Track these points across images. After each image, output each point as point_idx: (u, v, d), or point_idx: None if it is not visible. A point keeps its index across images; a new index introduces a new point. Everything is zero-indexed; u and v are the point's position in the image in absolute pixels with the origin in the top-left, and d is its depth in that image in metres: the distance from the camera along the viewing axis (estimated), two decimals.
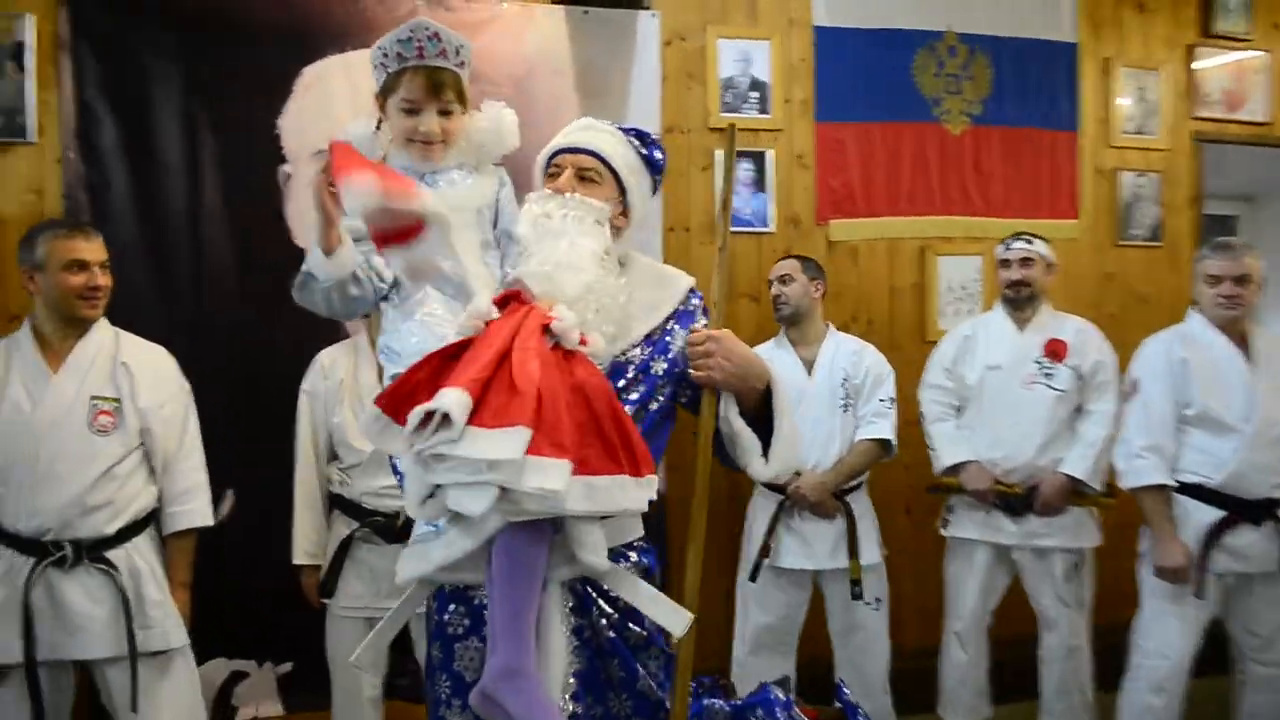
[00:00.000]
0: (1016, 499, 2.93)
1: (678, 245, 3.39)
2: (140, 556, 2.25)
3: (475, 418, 1.33)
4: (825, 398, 3.04)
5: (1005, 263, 3.04)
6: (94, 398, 2.20)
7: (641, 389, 1.66)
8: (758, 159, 3.43)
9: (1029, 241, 3.02)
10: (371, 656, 1.62)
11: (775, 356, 3.05)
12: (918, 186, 3.54)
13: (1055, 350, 2.97)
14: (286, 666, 3.07)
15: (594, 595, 1.58)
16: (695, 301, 1.83)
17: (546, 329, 1.45)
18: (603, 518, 1.53)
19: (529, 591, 1.48)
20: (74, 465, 2.16)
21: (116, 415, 2.22)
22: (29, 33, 2.93)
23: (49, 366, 2.21)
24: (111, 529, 2.19)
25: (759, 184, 3.43)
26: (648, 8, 3.31)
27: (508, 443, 1.30)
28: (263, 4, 3.09)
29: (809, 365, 3.08)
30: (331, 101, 3.10)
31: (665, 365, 1.70)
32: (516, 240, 1.63)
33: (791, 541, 3.02)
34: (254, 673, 3.10)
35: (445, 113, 1.56)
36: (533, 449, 1.32)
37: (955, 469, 3.00)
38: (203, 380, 2.63)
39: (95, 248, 2.25)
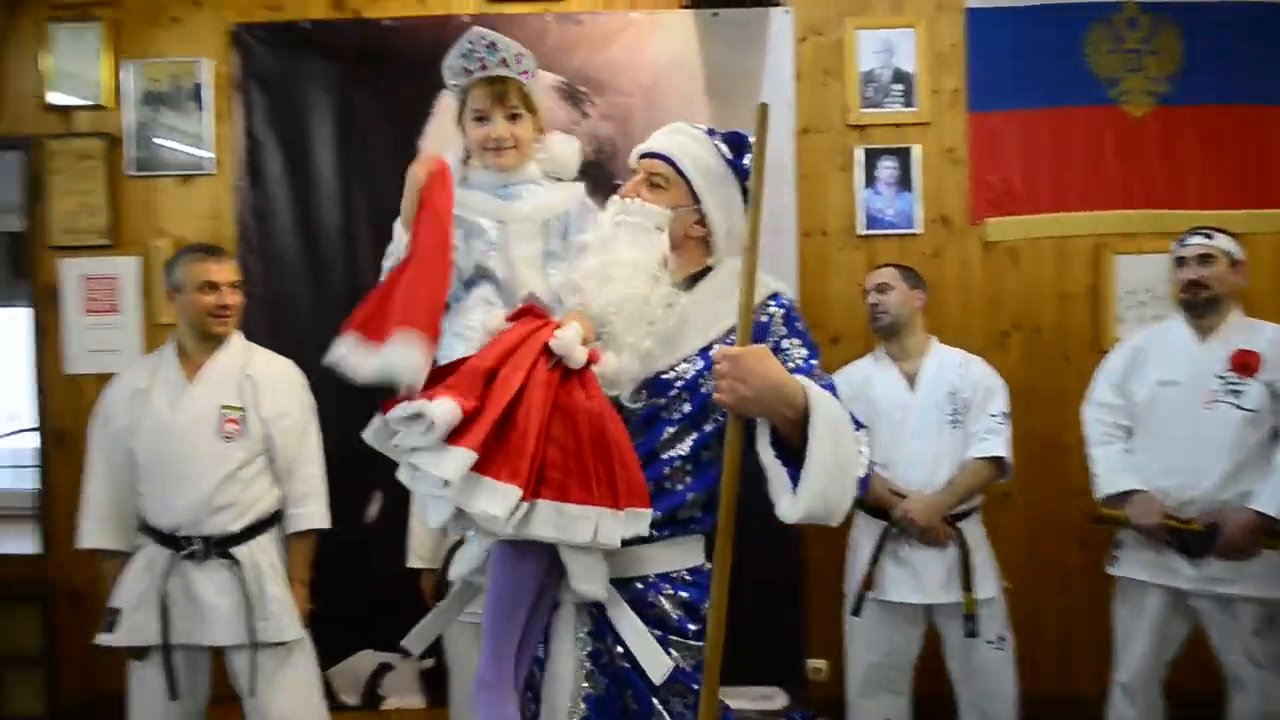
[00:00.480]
0: (1193, 537, 2.51)
1: (814, 250, 3.23)
2: (263, 554, 2.43)
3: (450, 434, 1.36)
4: (931, 414, 2.77)
5: (1181, 261, 2.62)
6: (223, 406, 2.40)
7: (688, 406, 1.56)
8: (902, 156, 3.20)
9: (1208, 236, 2.58)
10: (419, 644, 1.65)
11: (874, 373, 2.85)
12: (1091, 178, 3.16)
13: (1245, 363, 2.53)
14: (429, 662, 3.22)
15: (609, 622, 1.53)
16: (774, 309, 1.64)
17: (549, 348, 1.43)
18: (640, 540, 1.48)
19: (510, 608, 1.49)
20: (203, 468, 2.36)
21: (241, 423, 2.41)
22: (206, 75, 3.27)
23: (186, 377, 2.44)
24: (236, 527, 2.39)
25: (903, 182, 3.20)
26: (780, 4, 3.17)
27: (451, 463, 1.33)
28: (406, 37, 3.26)
29: (911, 380, 2.81)
30: None
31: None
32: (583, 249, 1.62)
33: (898, 572, 2.75)
34: (399, 666, 3.28)
35: (512, 117, 1.58)
36: (490, 470, 1.35)
37: (1120, 499, 2.63)
38: (353, 388, 2.83)
39: (226, 270, 2.46)
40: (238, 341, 2.51)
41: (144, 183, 3.31)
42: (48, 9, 3.33)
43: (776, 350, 1.59)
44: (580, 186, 1.68)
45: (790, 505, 1.45)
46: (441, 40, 3.17)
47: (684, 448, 1.57)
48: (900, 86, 3.19)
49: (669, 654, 1.54)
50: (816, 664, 3.22)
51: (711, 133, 1.69)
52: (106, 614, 2.38)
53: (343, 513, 2.71)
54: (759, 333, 1.60)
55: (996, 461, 2.72)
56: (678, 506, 1.58)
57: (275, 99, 3.28)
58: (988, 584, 2.71)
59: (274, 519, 2.49)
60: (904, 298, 2.80)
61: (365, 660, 3.25)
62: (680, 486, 1.58)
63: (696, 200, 1.65)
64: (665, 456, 1.56)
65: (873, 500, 2.74)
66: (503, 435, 1.37)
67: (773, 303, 1.65)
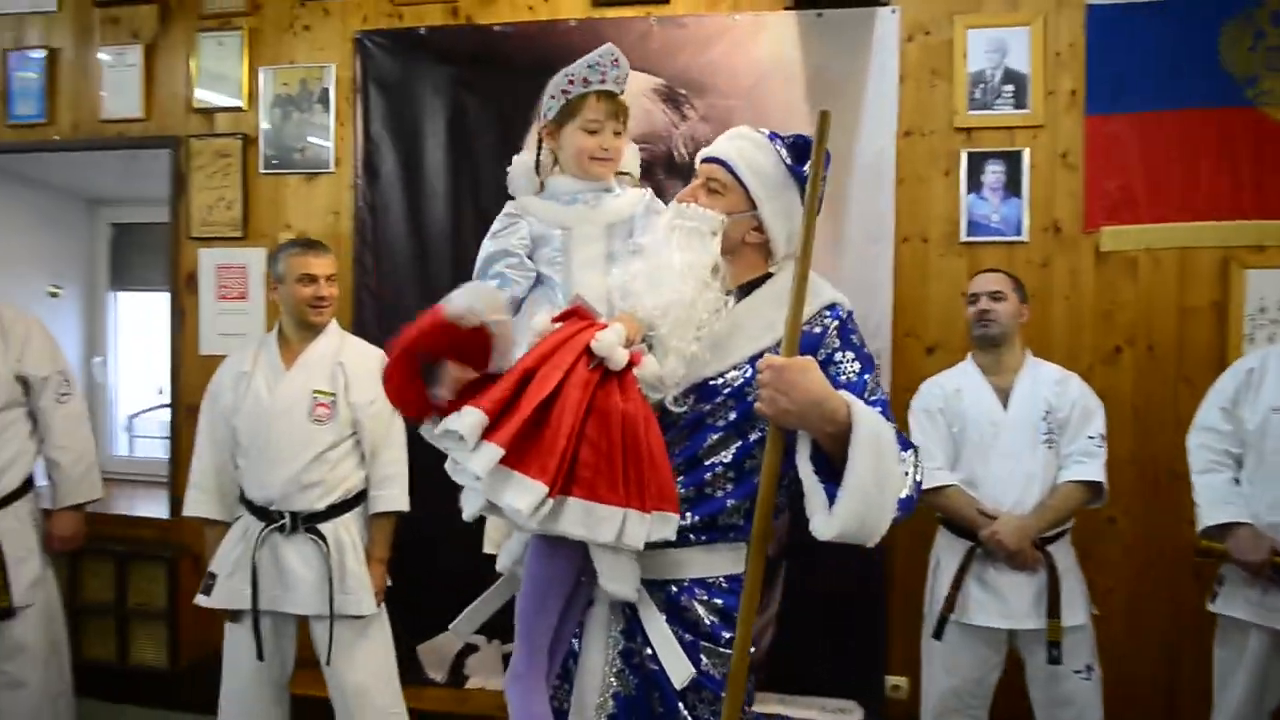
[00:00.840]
0: None
1: (914, 257, 3.13)
2: (346, 531, 2.57)
3: (485, 430, 1.40)
4: (1024, 433, 2.63)
5: None
6: (315, 391, 2.56)
7: (733, 414, 1.57)
8: (1011, 160, 3.06)
9: None
10: (468, 627, 1.72)
11: (964, 385, 2.72)
12: (1221, 185, 2.92)
13: None
14: (511, 646, 3.31)
15: (641, 623, 1.56)
16: (829, 320, 1.62)
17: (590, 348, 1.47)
18: (677, 544, 1.51)
19: (543, 602, 1.53)
20: (294, 448, 2.52)
21: (332, 407, 2.55)
22: (331, 79, 3.49)
23: (284, 363, 2.61)
24: (322, 505, 2.53)
25: (1011, 188, 3.06)
26: (887, 4, 3.09)
27: (481, 458, 1.37)
28: (514, 42, 3.36)
29: (1004, 396, 2.67)
30: None
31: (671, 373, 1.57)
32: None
33: (983, 595, 2.61)
34: (483, 648, 3.39)
35: (618, 133, 1.67)
36: (519, 466, 1.38)
37: (1222, 531, 2.43)
38: None
39: (324, 263, 2.61)
40: (333, 330, 2.67)
41: (273, 180, 3.56)
42: (196, 19, 3.63)
43: (829, 362, 1.58)
44: (648, 191, 1.75)
45: (825, 523, 1.42)
46: (547, 45, 3.33)
47: (727, 455, 1.58)
48: (1011, 87, 3.05)
49: (699, 660, 1.55)
50: (896, 681, 3.13)
51: (774, 137, 1.69)
52: (205, 578, 2.58)
53: (431, 497, 2.83)
54: (812, 343, 1.58)
55: (1092, 485, 2.57)
56: (718, 513, 1.59)
57: (392, 102, 3.46)
58: (1076, 611, 2.56)
59: (358, 499, 2.63)
60: (1015, 309, 2.68)
61: (452, 640, 3.37)
62: (721, 493, 1.58)
63: (754, 206, 1.65)
64: (708, 463, 1.58)
65: (959, 520, 2.64)
66: (535, 433, 1.40)
67: (829, 313, 1.64)
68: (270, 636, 2.56)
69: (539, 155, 1.72)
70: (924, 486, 2.47)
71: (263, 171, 3.56)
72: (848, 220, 3.13)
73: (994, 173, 3.07)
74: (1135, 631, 3.00)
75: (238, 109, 3.58)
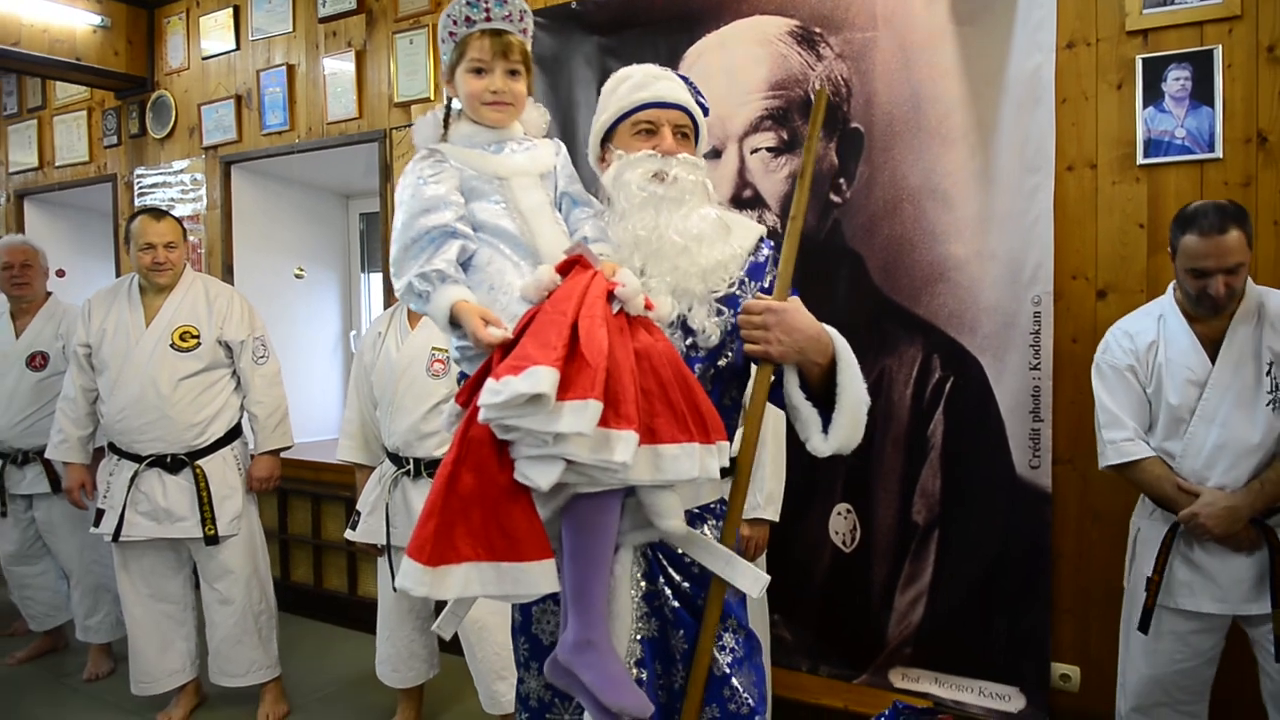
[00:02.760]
0: None
1: (1080, 187, 2.73)
2: None
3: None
4: (1237, 392, 2.18)
5: None
6: (433, 348, 2.78)
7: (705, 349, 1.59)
8: (1200, 61, 2.55)
9: None
10: (451, 625, 1.65)
11: (1161, 334, 2.29)
12: None
13: None
14: None
15: (664, 562, 1.58)
16: (767, 251, 1.68)
17: (611, 294, 1.41)
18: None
19: (598, 563, 1.47)
20: (415, 400, 2.76)
21: (447, 363, 2.76)
22: None
23: (410, 325, 2.86)
24: (439, 453, 2.74)
25: (1201, 95, 2.55)
26: None
27: (579, 417, 1.26)
28: (661, 1, 3.37)
29: (1213, 346, 2.22)
30: (710, 74, 3.24)
31: (734, 321, 1.59)
32: (602, 202, 1.64)
33: (1190, 575, 2.25)
34: None
35: (512, 73, 1.56)
36: (600, 421, 1.28)
37: None
38: None
39: None
40: None
41: None
42: (393, 22, 4.04)
43: (769, 290, 1.64)
44: (558, 142, 1.68)
45: (823, 442, 1.54)
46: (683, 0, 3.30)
47: (707, 386, 1.58)
48: None
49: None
50: (1065, 670, 2.77)
51: (680, 76, 1.70)
52: (353, 515, 2.90)
53: None
54: (758, 269, 1.65)
55: None
56: None
57: (549, 75, 3.62)
58: None
59: None
60: (1247, 270, 2.19)
61: None
62: None
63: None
64: None
65: (1156, 498, 2.32)
66: (607, 385, 1.31)
67: (764, 245, 1.69)
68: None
69: (448, 106, 1.62)
70: (1113, 461, 2.36)
71: None
72: (998, 150, 2.79)
73: (1178, 79, 2.58)
74: None
75: (426, 99, 3.94)
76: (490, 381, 1.30)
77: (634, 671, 1.53)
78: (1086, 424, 2.71)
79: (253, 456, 3.26)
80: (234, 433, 3.22)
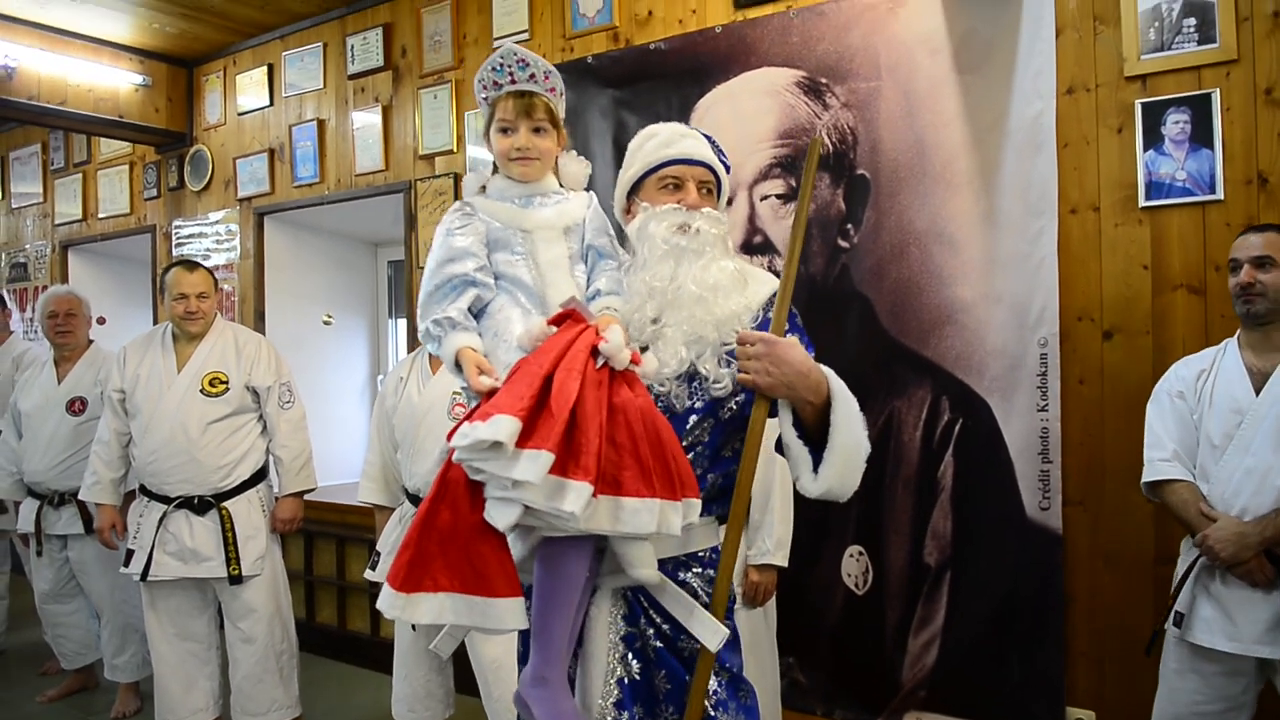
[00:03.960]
0: None
1: (1083, 229, 2.76)
2: None
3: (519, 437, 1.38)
4: (1271, 422, 2.19)
5: None
6: (454, 392, 2.85)
7: (709, 397, 1.64)
8: (1197, 105, 2.59)
9: None
10: (449, 646, 1.73)
11: (1217, 366, 2.33)
12: None
13: None
14: None
15: (644, 605, 1.62)
16: None
17: (595, 350, 1.49)
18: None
19: (562, 604, 1.54)
20: (436, 442, 2.82)
21: (467, 406, 2.83)
22: None
23: (432, 370, 2.94)
24: None
25: (1200, 138, 2.59)
26: None
27: (530, 466, 1.34)
28: (666, 57, 3.49)
29: (1260, 379, 2.24)
30: (719, 124, 3.33)
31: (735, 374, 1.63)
32: (622, 252, 1.73)
33: (1210, 611, 2.24)
34: None
35: (537, 130, 1.66)
36: (557, 470, 1.36)
37: None
38: None
39: None
40: None
41: None
42: (418, 78, 4.19)
43: None
44: (592, 195, 1.77)
45: (812, 482, 1.56)
46: (697, 55, 3.42)
47: (705, 435, 1.65)
48: (1193, 21, 2.59)
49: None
50: (1080, 714, 2.74)
51: (704, 134, 1.79)
52: (373, 555, 2.97)
53: None
54: (766, 327, 1.66)
55: None
56: (702, 492, 1.62)
57: (568, 128, 3.72)
58: None
59: None
60: None
61: None
62: (700, 471, 1.64)
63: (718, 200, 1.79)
64: (687, 443, 1.63)
65: (1180, 520, 2.34)
66: (571, 435, 1.39)
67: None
68: None
69: (495, 163, 1.73)
70: (1147, 478, 2.40)
71: None
72: (1002, 194, 2.84)
73: (1177, 122, 2.62)
74: None
75: (449, 152, 4.07)
76: (464, 425, 1.40)
77: (611, 713, 1.57)
78: (1096, 465, 2.72)
79: (277, 499, 3.35)
80: (259, 475, 3.32)
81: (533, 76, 1.68)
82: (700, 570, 1.64)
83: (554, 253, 1.64)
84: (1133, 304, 2.69)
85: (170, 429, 3.14)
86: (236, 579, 3.15)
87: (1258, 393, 2.24)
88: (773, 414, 1.60)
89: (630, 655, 1.60)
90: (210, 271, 3.36)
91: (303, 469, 3.32)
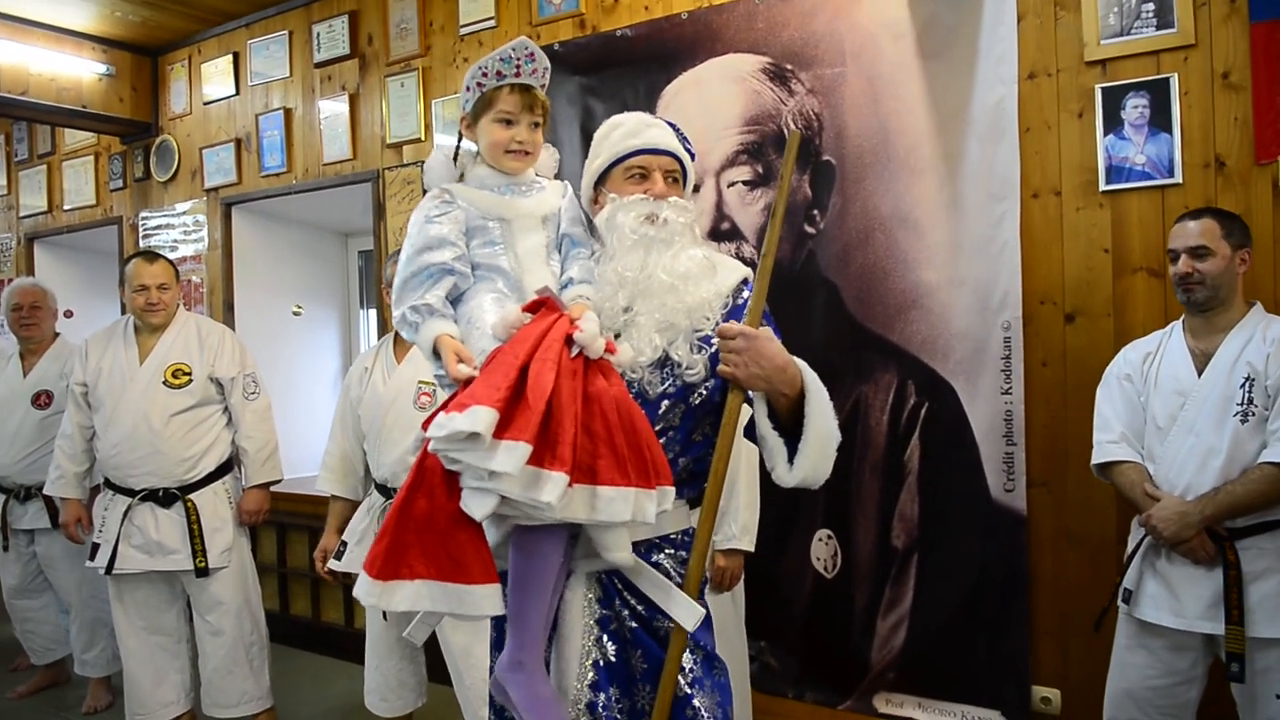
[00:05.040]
0: None
1: (1045, 214, 2.78)
2: None
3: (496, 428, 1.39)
4: (1214, 403, 2.23)
5: None
6: (420, 382, 2.84)
7: (679, 382, 1.65)
8: (1156, 90, 2.61)
9: None
10: (423, 633, 1.73)
11: (1163, 348, 2.37)
12: None
13: None
14: None
15: (619, 587, 1.64)
16: (747, 294, 1.72)
17: (570, 339, 1.49)
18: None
19: (537, 590, 1.57)
20: (403, 432, 2.81)
21: (434, 396, 2.82)
22: None
23: (397, 359, 2.93)
24: None
25: (1159, 122, 2.61)
26: None
27: (507, 457, 1.35)
28: (636, 44, 3.48)
29: (1203, 361, 2.28)
30: (686, 110, 3.33)
31: (710, 360, 1.65)
32: (594, 241, 1.72)
33: (1155, 588, 2.30)
34: None
35: (535, 125, 1.67)
36: (534, 460, 1.38)
37: None
38: None
39: None
40: None
41: None
42: (385, 66, 4.16)
43: None
44: (566, 184, 1.77)
45: (788, 472, 1.58)
46: (663, 41, 3.41)
47: (676, 420, 1.66)
48: (1152, 6, 2.61)
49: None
50: (1046, 693, 2.78)
51: (669, 124, 1.79)
52: (339, 546, 2.96)
53: None
54: (737, 315, 1.68)
55: None
56: (674, 475, 1.64)
57: None
58: (1270, 620, 2.14)
59: None
60: (1226, 262, 2.27)
61: None
62: (672, 455, 1.65)
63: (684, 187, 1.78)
64: (659, 428, 1.65)
65: (1127, 500, 2.39)
66: (546, 425, 1.40)
67: (745, 287, 1.74)
68: None
69: (458, 147, 1.73)
70: (1095, 460, 2.44)
71: None
72: (965, 179, 2.86)
73: (1136, 107, 2.64)
74: None
75: (417, 140, 4.05)
76: (440, 415, 1.40)
77: (586, 694, 1.59)
78: (1059, 447, 2.75)
79: (244, 490, 3.33)
80: (225, 467, 3.29)
81: (535, 71, 1.67)
82: (673, 552, 1.67)
83: (532, 241, 1.64)
84: (1094, 287, 2.72)
85: (133, 421, 3.12)
86: (203, 571, 3.13)
87: (1200, 374, 2.28)
88: (747, 401, 1.62)
89: (605, 638, 1.63)
90: (171, 263, 3.33)
91: (268, 460, 3.30)
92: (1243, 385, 2.21)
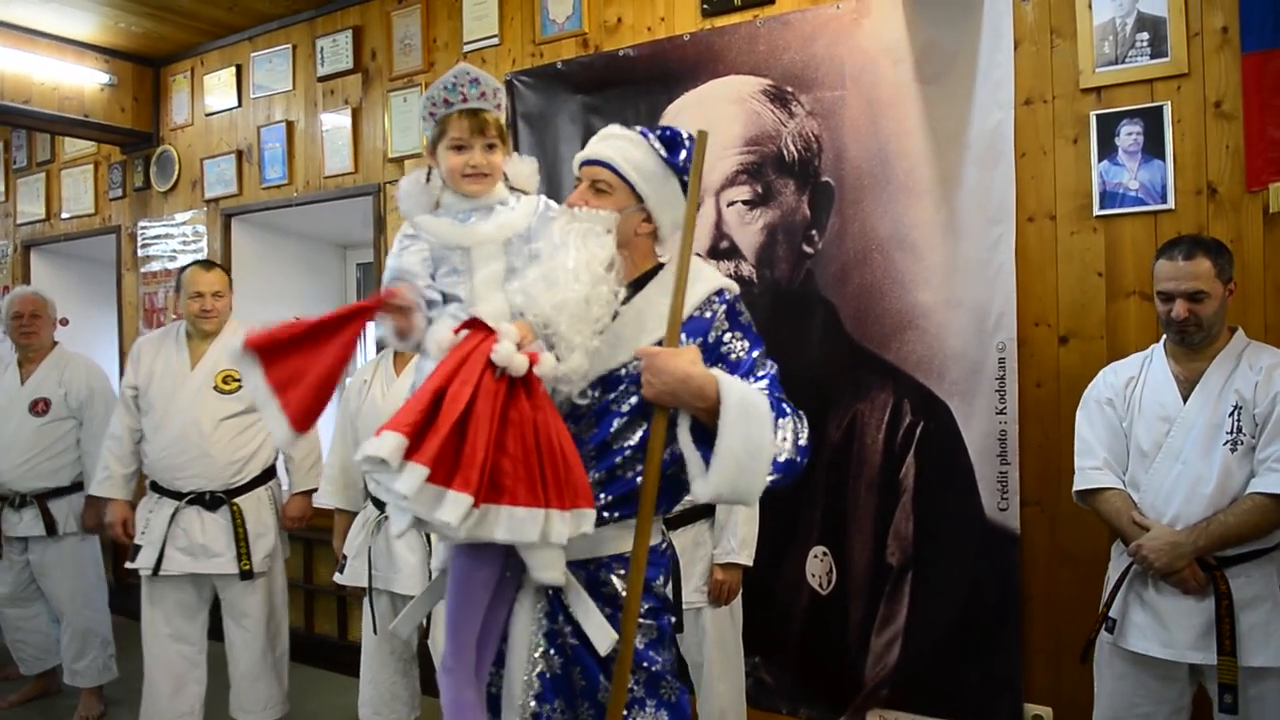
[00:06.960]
0: None
1: (1040, 237, 2.83)
2: None
3: (406, 451, 1.46)
4: (1201, 430, 2.24)
5: None
6: None
7: (635, 399, 1.67)
8: (1150, 117, 2.66)
9: None
10: (407, 627, 1.85)
11: (1145, 373, 2.38)
12: None
13: None
14: None
15: (563, 604, 1.68)
16: (718, 305, 1.72)
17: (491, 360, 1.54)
18: (597, 524, 1.59)
19: (470, 605, 1.65)
20: None
21: None
22: None
23: (396, 371, 2.96)
24: None
25: (1152, 149, 2.66)
26: None
27: (408, 479, 1.43)
28: (634, 63, 3.52)
29: (1188, 387, 2.29)
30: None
31: (633, 374, 1.66)
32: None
33: (1142, 617, 2.29)
34: None
35: (490, 147, 1.70)
36: (441, 480, 1.45)
37: None
38: None
39: None
40: None
41: None
42: (388, 81, 4.19)
43: (719, 344, 1.70)
44: (541, 198, 1.80)
45: (702, 486, 1.55)
46: (665, 61, 3.45)
47: (634, 438, 1.68)
48: (1146, 35, 2.67)
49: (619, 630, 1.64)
50: (1038, 711, 2.80)
51: (645, 133, 1.76)
52: (340, 559, 2.97)
53: None
54: (703, 327, 1.70)
55: None
56: (629, 492, 1.68)
57: (536, 133, 3.76)
58: (1269, 652, 2.15)
59: None
60: (1221, 301, 2.26)
61: None
62: (631, 474, 1.68)
63: (640, 199, 1.72)
64: (616, 447, 1.68)
65: (1113, 529, 2.39)
66: (455, 448, 1.47)
67: (716, 299, 1.73)
68: (388, 613, 2.89)
69: (428, 175, 1.76)
70: (1078, 487, 2.44)
71: None
72: (962, 203, 2.90)
73: (1130, 134, 2.69)
74: None
75: (419, 154, 4.08)
76: (368, 440, 1.47)
77: (532, 705, 1.66)
78: (1053, 467, 2.79)
79: (290, 496, 3.39)
80: (270, 473, 3.36)
81: (483, 94, 1.72)
82: (624, 572, 1.68)
83: (491, 269, 1.68)
84: (1087, 310, 2.76)
85: (183, 425, 3.18)
86: (247, 574, 3.18)
87: (1185, 401, 2.28)
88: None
89: (552, 651, 1.69)
90: (225, 271, 3.41)
91: (313, 467, 3.36)
92: (1231, 413, 2.22)
